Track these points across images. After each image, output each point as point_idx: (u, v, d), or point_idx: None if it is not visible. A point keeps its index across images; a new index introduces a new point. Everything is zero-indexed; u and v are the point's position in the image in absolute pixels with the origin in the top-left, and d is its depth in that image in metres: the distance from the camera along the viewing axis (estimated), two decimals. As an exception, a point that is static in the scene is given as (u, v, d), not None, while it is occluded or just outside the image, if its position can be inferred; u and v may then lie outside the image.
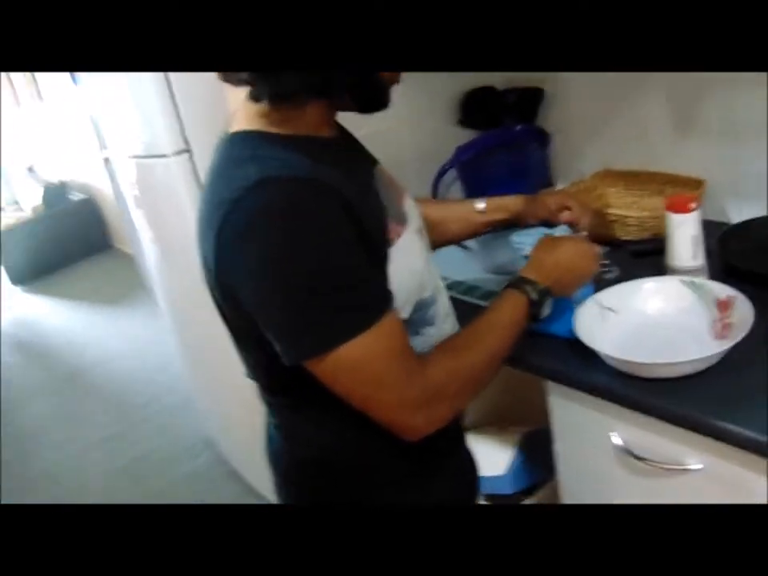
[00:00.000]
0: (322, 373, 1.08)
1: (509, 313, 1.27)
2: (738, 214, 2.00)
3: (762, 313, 1.40)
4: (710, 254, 1.70)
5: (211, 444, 3.41)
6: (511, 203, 1.62)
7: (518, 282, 1.31)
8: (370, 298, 1.08)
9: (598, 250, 1.47)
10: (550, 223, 1.59)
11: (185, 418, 3.73)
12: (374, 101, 1.19)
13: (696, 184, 2.00)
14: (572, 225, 1.55)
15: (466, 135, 2.35)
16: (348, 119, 1.28)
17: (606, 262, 1.76)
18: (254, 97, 1.10)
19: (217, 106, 1.97)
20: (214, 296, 1.17)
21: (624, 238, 1.95)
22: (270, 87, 1.07)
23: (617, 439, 1.50)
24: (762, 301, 1.44)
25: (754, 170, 1.94)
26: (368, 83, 1.15)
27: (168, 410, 3.89)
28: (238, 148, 1.11)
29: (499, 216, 1.62)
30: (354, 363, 1.06)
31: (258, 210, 1.01)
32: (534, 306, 1.29)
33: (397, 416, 1.12)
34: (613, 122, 2.22)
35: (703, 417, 1.30)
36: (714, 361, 1.37)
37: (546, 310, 1.32)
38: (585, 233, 1.53)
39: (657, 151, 2.15)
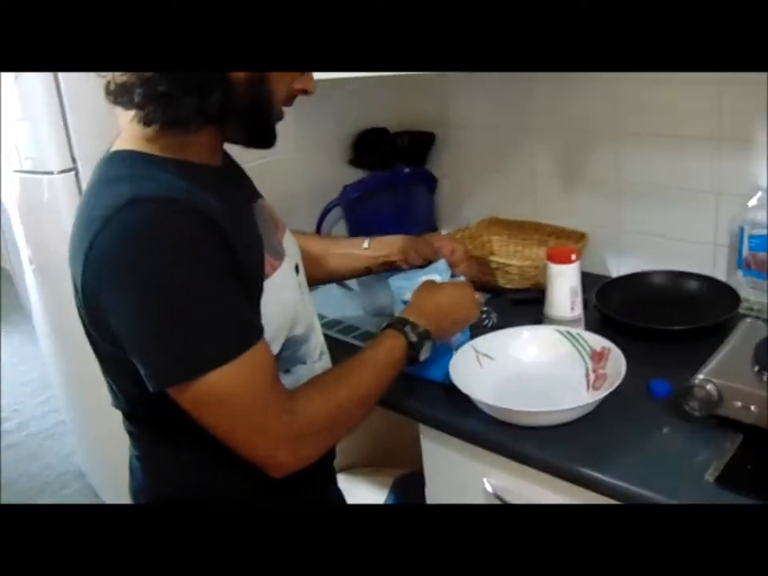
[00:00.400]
0: (186, 402, 1.03)
1: (385, 352, 1.25)
2: (617, 268, 2.04)
3: (633, 365, 1.41)
4: (588, 305, 1.72)
5: (81, 475, 3.29)
6: (395, 241, 1.61)
7: (397, 323, 1.29)
8: (239, 327, 1.05)
9: (479, 296, 1.46)
10: (430, 262, 1.58)
11: (54, 447, 3.58)
12: (261, 135, 1.18)
13: (578, 237, 2.03)
14: (453, 266, 1.54)
15: (355, 175, 2.34)
16: (240, 149, 1.25)
17: (486, 308, 1.76)
18: (146, 121, 1.06)
19: (107, 125, 1.90)
20: (81, 317, 1.12)
21: (505, 286, 1.95)
22: (163, 111, 1.04)
23: (488, 485, 1.48)
24: (635, 353, 1.45)
25: (635, 227, 1.98)
26: (257, 115, 1.14)
27: (37, 437, 3.72)
28: (116, 167, 1.08)
29: (383, 252, 1.61)
30: (220, 394, 1.02)
31: (126, 230, 0.98)
32: (413, 348, 1.27)
33: (262, 451, 1.08)
34: (501, 171, 2.25)
35: (573, 466, 1.29)
36: (586, 411, 1.37)
37: (425, 354, 1.30)
38: (465, 278, 1.52)
39: (543, 203, 2.18)
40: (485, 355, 1.54)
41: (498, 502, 1.46)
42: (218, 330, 1.01)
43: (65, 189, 2.11)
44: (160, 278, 0.97)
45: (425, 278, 1.48)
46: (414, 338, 1.27)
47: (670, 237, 1.92)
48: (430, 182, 2.31)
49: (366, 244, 1.61)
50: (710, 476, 1.22)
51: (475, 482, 1.50)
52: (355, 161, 2.38)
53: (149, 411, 1.13)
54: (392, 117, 2.38)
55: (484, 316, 1.76)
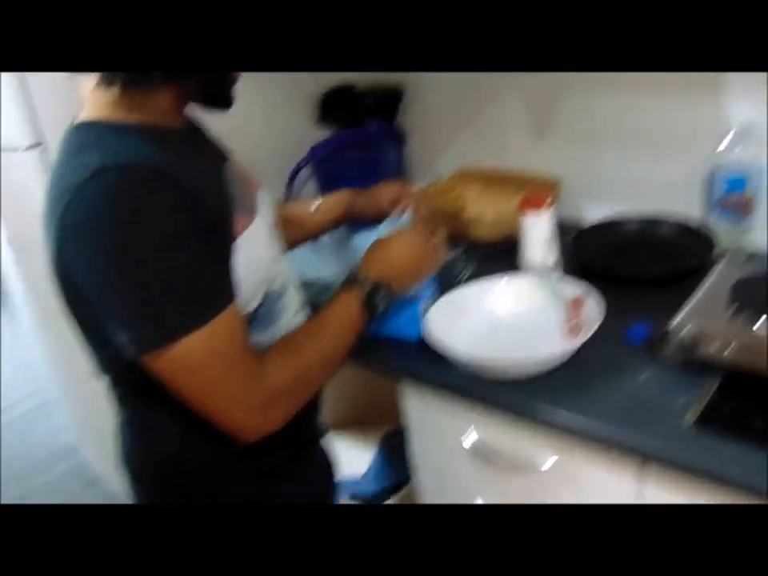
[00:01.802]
0: (157, 370, 1.04)
1: (342, 309, 1.24)
2: (592, 214, 2.03)
3: (611, 312, 1.41)
4: (564, 253, 1.71)
5: (73, 451, 3.28)
6: (339, 200, 1.60)
7: (349, 278, 1.28)
8: (209, 292, 1.04)
9: (438, 240, 1.43)
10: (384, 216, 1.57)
11: (45, 425, 3.56)
12: (218, 95, 1.17)
13: (552, 185, 2.01)
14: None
15: (324, 134, 2.31)
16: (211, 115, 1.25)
17: (461, 260, 1.75)
18: (107, 82, 1.05)
19: (72, 98, 1.88)
20: (58, 289, 1.11)
21: (480, 238, 1.94)
22: (111, 75, 1.04)
23: (470, 438, 1.48)
24: (612, 300, 1.45)
25: (609, 172, 1.97)
26: (215, 77, 1.14)
27: (27, 417, 3.70)
28: (83, 137, 1.07)
29: (330, 215, 1.60)
30: (190, 361, 1.02)
31: (96, 199, 0.97)
32: (368, 301, 1.26)
33: (233, 417, 1.08)
34: (472, 122, 2.22)
35: (553, 412, 1.30)
36: (564, 359, 1.37)
37: (382, 304, 1.28)
38: (420, 224, 1.49)
39: (515, 152, 2.16)
40: (460, 307, 1.53)
41: (480, 453, 1.47)
42: (188, 297, 1.01)
43: (33, 165, 2.08)
44: (129, 245, 0.97)
45: (384, 231, 1.45)
46: (366, 288, 1.26)
47: (644, 181, 1.91)
48: (399, 138, 2.29)
49: (314, 206, 1.60)
50: (689, 419, 1.22)
51: (458, 434, 1.50)
52: (323, 120, 2.35)
53: (130, 377, 1.13)
54: (358, 73, 2.35)
55: (459, 268, 1.75)
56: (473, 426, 1.48)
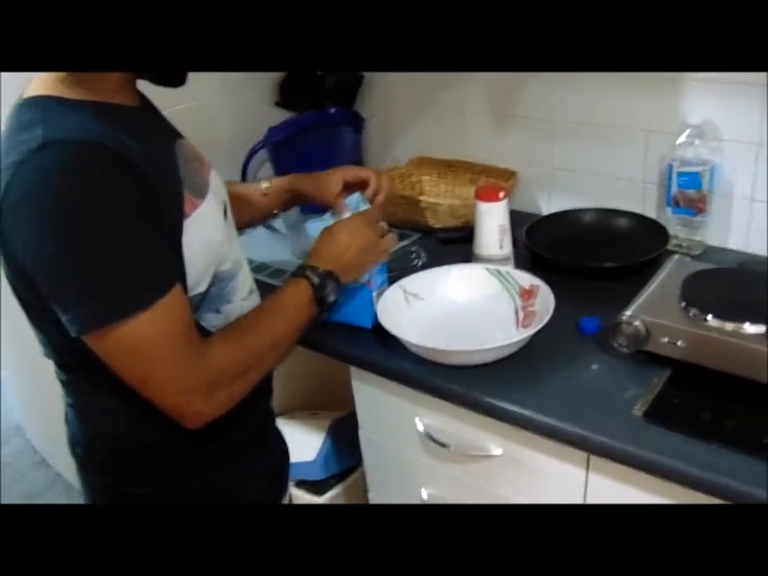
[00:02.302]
0: (100, 350, 1.02)
1: (290, 297, 1.23)
2: (547, 206, 2.03)
3: (563, 303, 1.40)
4: (517, 243, 1.71)
5: (19, 431, 3.25)
6: (289, 182, 1.56)
7: (298, 269, 1.27)
8: (154, 272, 1.02)
9: (383, 225, 1.41)
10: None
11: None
12: (172, 74, 1.16)
13: (508, 175, 2.01)
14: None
15: (283, 116, 2.28)
16: (162, 93, 1.21)
17: (414, 248, 1.74)
18: None
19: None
20: (3, 268, 1.08)
21: (435, 225, 1.93)
22: None
23: (420, 425, 1.47)
24: (564, 290, 1.44)
25: (565, 164, 1.97)
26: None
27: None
28: (28, 113, 1.03)
29: (278, 197, 1.57)
30: (134, 342, 1.00)
31: (40, 174, 0.95)
32: (318, 290, 1.24)
33: (176, 400, 1.06)
34: (430, 109, 2.21)
35: (502, 403, 1.29)
36: (515, 348, 1.36)
37: (332, 295, 1.26)
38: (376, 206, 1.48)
39: (473, 141, 2.15)
40: (413, 295, 1.52)
41: (429, 441, 1.45)
42: (133, 276, 0.99)
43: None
44: (73, 222, 0.95)
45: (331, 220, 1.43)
46: (316, 279, 1.24)
47: (601, 174, 1.91)
48: (357, 122, 2.27)
49: (264, 186, 1.56)
50: (637, 410, 1.22)
51: (408, 422, 1.49)
52: (282, 102, 2.33)
53: (76, 358, 1.10)
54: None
55: (413, 256, 1.74)
56: (421, 415, 1.46)
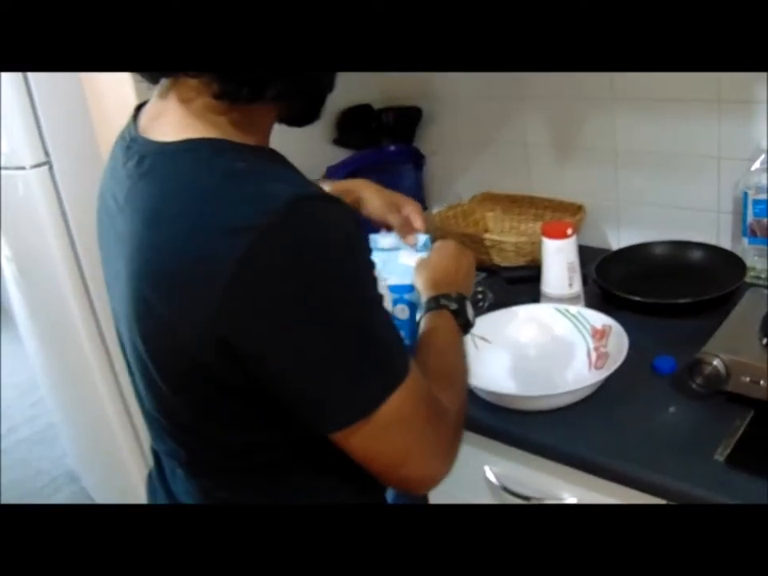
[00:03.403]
0: (356, 437, 0.91)
1: (448, 331, 1.19)
2: (616, 240, 2.03)
3: (637, 342, 1.40)
4: (587, 281, 1.71)
5: (74, 478, 3.29)
6: (355, 184, 1.54)
7: (432, 303, 1.24)
8: (399, 340, 0.95)
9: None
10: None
11: (45, 451, 3.57)
12: (312, 110, 1.07)
13: (575, 209, 2.01)
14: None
15: (340, 154, 2.31)
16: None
17: (481, 288, 1.75)
18: (230, 96, 0.90)
19: (79, 116, 1.92)
20: (186, 352, 0.90)
21: (500, 264, 1.94)
22: (241, 84, 0.89)
23: (490, 474, 1.47)
24: (638, 329, 1.44)
25: (634, 196, 1.97)
26: (312, 89, 1.02)
27: (27, 442, 3.70)
28: (215, 160, 0.89)
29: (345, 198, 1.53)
30: (396, 418, 0.91)
31: (301, 239, 0.82)
32: (460, 316, 1.23)
33: (431, 469, 0.99)
34: (492, 144, 2.22)
35: (576, 450, 1.29)
36: (588, 392, 1.36)
37: (471, 314, 1.27)
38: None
39: (537, 175, 2.16)
40: (480, 338, 1.52)
41: (501, 491, 1.45)
42: (392, 348, 0.92)
43: (39, 183, 2.12)
44: (348, 292, 0.86)
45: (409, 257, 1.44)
46: (454, 306, 1.23)
47: (671, 205, 1.90)
48: (417, 159, 2.30)
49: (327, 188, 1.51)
50: (719, 455, 1.20)
51: (477, 471, 1.49)
52: (339, 140, 2.36)
53: (247, 459, 1.02)
54: (376, 92, 2.35)
55: (479, 296, 1.74)
56: (491, 463, 1.47)
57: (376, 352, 0.89)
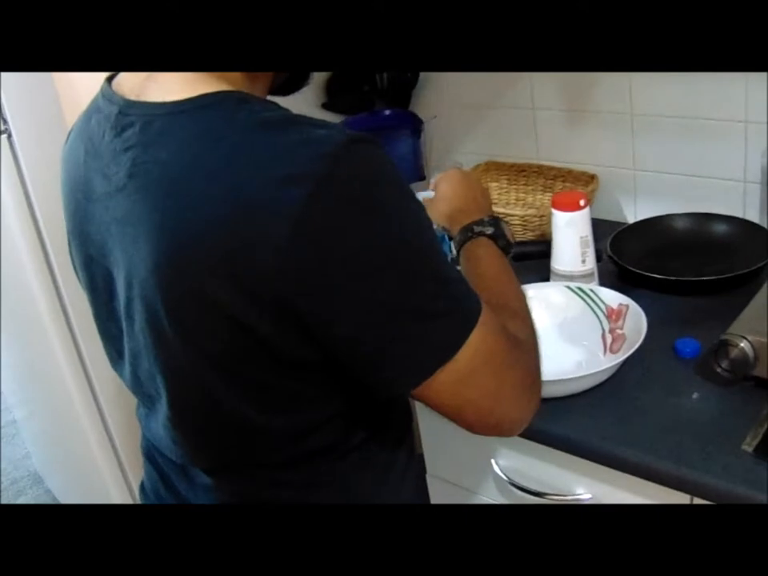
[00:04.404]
0: (448, 383, 0.91)
1: (494, 257, 1.22)
2: (633, 213, 2.03)
3: (656, 322, 1.40)
4: (601, 257, 1.71)
5: (38, 480, 3.31)
6: None
7: (467, 233, 1.26)
8: (461, 277, 0.97)
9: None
10: None
11: (7, 450, 3.57)
12: (298, 75, 1.09)
13: (588, 179, 2.01)
14: None
15: (329, 120, 2.31)
16: None
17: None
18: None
19: (41, 85, 1.91)
20: (234, 325, 0.88)
21: (507, 239, 1.94)
22: None
23: (497, 468, 1.48)
24: (657, 308, 1.44)
25: (652, 164, 1.97)
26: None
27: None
28: (243, 112, 0.88)
29: None
30: (484, 352, 0.92)
31: (363, 182, 0.83)
32: (500, 239, 1.25)
33: (522, 401, 0.99)
34: (496, 109, 2.22)
35: (591, 440, 1.29)
36: (604, 377, 1.37)
37: (510, 235, 1.28)
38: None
39: (546, 142, 2.16)
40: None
41: (509, 485, 1.45)
42: (463, 280, 0.94)
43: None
44: (415, 232, 0.88)
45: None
46: (490, 230, 1.25)
47: (694, 174, 1.90)
48: (415, 125, 2.29)
49: None
50: (747, 446, 1.21)
51: (483, 465, 1.50)
52: (329, 104, 2.35)
53: (297, 448, 1.02)
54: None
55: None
56: (498, 455, 1.47)
57: (449, 289, 0.90)
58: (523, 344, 1.01)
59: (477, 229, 1.25)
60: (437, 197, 1.38)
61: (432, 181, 1.46)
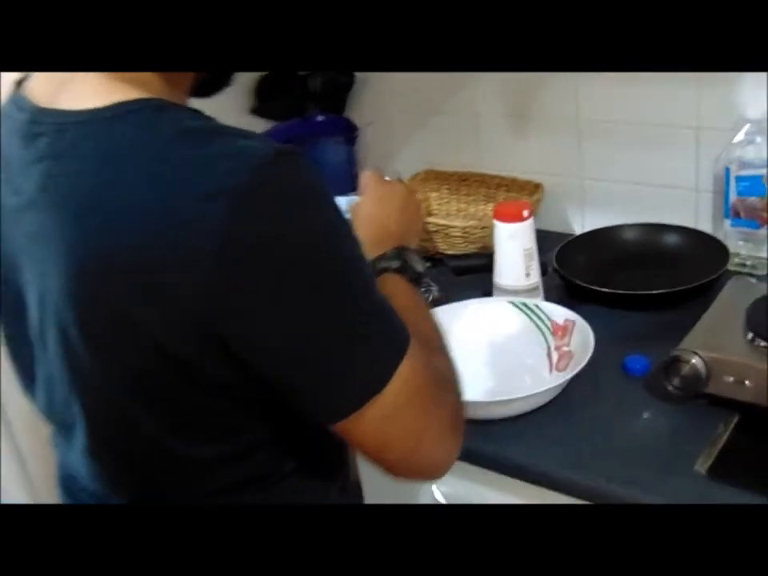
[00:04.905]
0: (372, 418, 0.90)
1: (402, 294, 1.17)
2: (580, 224, 2.04)
3: (604, 339, 1.40)
4: (546, 270, 1.71)
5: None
6: None
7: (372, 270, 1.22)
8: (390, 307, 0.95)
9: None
10: None
11: None
12: (221, 75, 1.08)
13: (533, 189, 2.02)
14: None
15: (259, 127, 2.29)
16: None
17: (422, 280, 1.74)
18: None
19: None
20: (156, 351, 0.87)
21: (447, 251, 1.93)
22: None
23: (438, 494, 1.47)
24: (605, 323, 1.45)
25: (600, 173, 1.98)
26: None
27: None
28: (162, 121, 0.87)
29: None
30: (411, 387, 0.91)
31: (288, 197, 0.82)
32: (407, 272, 1.23)
33: (448, 442, 0.99)
34: (437, 115, 2.22)
35: (536, 464, 1.29)
36: (549, 397, 1.37)
37: (419, 265, 1.27)
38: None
39: (488, 150, 2.16)
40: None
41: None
42: (391, 308, 0.92)
43: None
44: (344, 253, 0.88)
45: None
46: (395, 264, 1.23)
47: (644, 183, 1.92)
48: (350, 132, 2.28)
49: None
50: (700, 467, 1.22)
51: (425, 491, 1.49)
52: (258, 110, 2.34)
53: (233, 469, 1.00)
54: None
55: (422, 289, 1.73)
56: (439, 481, 1.46)
57: (378, 315, 0.89)
58: (448, 380, 1.01)
59: (380, 265, 1.23)
60: (358, 211, 1.37)
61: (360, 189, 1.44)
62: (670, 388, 1.33)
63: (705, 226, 1.84)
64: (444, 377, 1.00)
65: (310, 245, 0.83)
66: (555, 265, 1.75)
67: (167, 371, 0.87)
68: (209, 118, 0.89)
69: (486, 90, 2.09)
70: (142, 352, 0.86)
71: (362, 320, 0.87)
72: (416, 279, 1.25)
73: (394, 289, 1.17)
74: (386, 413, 0.89)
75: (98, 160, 0.86)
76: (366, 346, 0.87)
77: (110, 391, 0.92)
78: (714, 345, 1.32)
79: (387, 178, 1.46)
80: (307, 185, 0.84)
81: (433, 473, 1.02)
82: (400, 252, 1.25)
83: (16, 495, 2.39)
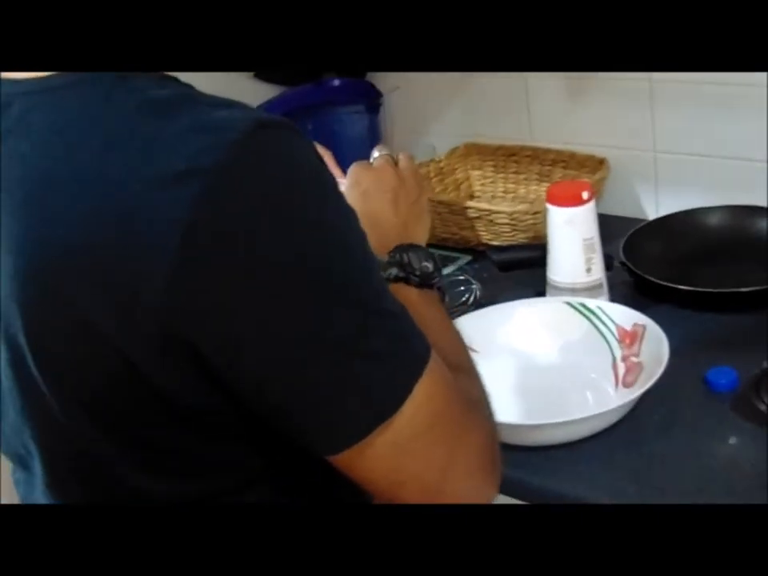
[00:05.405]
0: (382, 450, 0.89)
1: (420, 306, 1.14)
2: (653, 207, 2.04)
3: (682, 347, 1.40)
4: (612, 264, 1.71)
5: None
6: None
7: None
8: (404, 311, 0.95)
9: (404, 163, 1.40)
10: None
11: None
12: None
13: (595, 165, 2.02)
14: None
15: (265, 93, 2.31)
16: None
17: (463, 277, 1.74)
18: None
19: None
20: (112, 361, 0.86)
21: (491, 242, 1.94)
22: None
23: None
24: (682, 330, 1.44)
25: (676, 145, 1.98)
26: None
27: None
28: (122, 90, 0.87)
29: None
30: (431, 411, 0.91)
31: (271, 180, 0.82)
32: (411, 278, 1.19)
33: (478, 478, 0.98)
34: (478, 77, 2.22)
35: (597, 497, 1.28)
36: (614, 418, 1.36)
37: (426, 262, 1.26)
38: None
39: (541, 119, 2.17)
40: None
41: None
42: (406, 314, 0.93)
43: None
44: (342, 249, 0.87)
45: None
46: (393, 272, 1.18)
47: (731, 157, 1.92)
48: (372, 99, 2.29)
49: None
50: (797, 504, 1.21)
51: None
52: (263, 73, 2.35)
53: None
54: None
55: (461, 288, 1.74)
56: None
57: (387, 324, 0.88)
58: (478, 404, 1.00)
59: (387, 273, 1.20)
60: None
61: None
62: (762, 408, 1.33)
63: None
64: (473, 399, 0.99)
65: (296, 236, 0.82)
66: (623, 257, 1.75)
67: (131, 392, 0.87)
68: (181, 85, 0.90)
69: (538, 46, 2.09)
70: (99, 368, 0.86)
71: (362, 328, 0.85)
72: (426, 281, 1.20)
73: (404, 300, 1.17)
74: (400, 443, 0.88)
75: (47, 138, 0.86)
76: (373, 360, 0.86)
77: (65, 416, 0.91)
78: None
79: (372, 163, 1.40)
80: (296, 163, 0.84)
81: (470, 495, 0.98)
82: (396, 256, 1.21)
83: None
